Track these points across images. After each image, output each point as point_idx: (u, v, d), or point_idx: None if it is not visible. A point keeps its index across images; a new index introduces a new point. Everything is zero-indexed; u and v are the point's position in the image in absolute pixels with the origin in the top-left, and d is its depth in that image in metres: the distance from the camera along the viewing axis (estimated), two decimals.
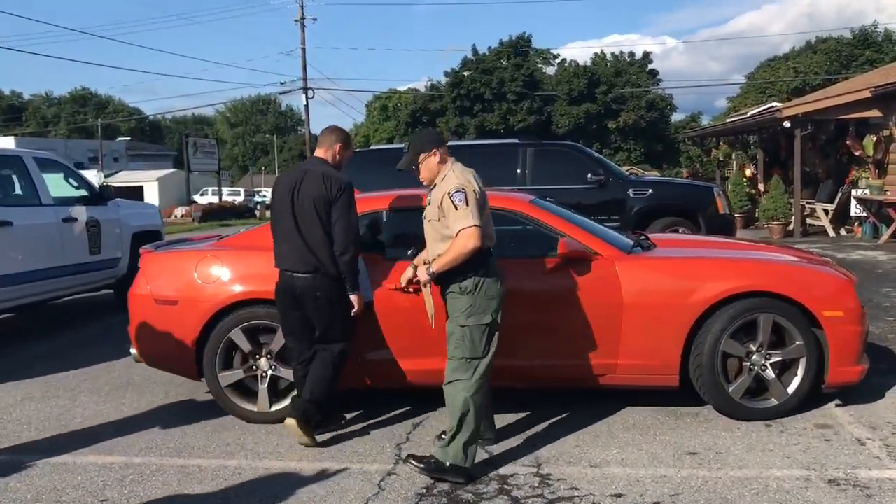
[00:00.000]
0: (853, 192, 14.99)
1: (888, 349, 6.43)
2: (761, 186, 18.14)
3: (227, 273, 4.97)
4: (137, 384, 5.99)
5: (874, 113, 14.75)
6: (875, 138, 14.66)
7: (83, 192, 8.63)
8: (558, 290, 4.77)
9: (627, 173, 12.29)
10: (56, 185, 8.38)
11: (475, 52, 48.44)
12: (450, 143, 11.99)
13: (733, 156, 21.40)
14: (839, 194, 15.48)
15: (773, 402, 4.81)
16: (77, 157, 74.02)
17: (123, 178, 65.39)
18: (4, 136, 72.60)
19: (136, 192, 62.23)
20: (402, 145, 13.95)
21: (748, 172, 19.30)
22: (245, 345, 4.93)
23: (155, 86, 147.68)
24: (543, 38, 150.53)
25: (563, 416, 4.99)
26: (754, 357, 4.80)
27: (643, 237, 5.62)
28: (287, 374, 4.93)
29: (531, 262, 4.85)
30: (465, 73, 46.85)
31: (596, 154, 11.25)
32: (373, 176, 10.49)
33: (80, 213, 8.18)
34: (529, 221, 5.00)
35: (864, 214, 14.73)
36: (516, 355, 4.74)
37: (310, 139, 47.20)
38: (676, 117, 52.69)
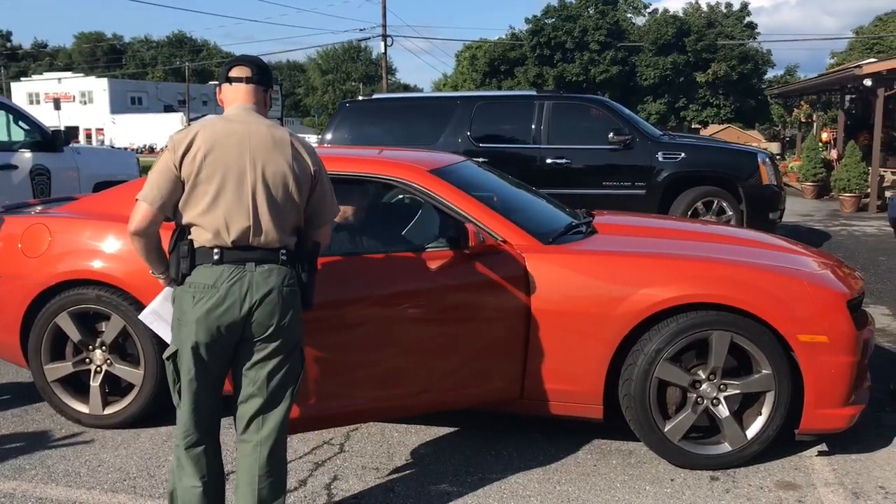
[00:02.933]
0: None
1: None
2: (834, 153, 16.18)
3: (56, 246, 4.08)
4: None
5: None
6: None
7: (36, 137, 7.92)
8: (445, 291, 3.66)
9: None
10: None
11: None
12: (462, 95, 10.87)
13: (814, 117, 19.31)
14: None
15: (726, 447, 3.65)
16: (167, 100, 75.81)
17: None
18: (99, 76, 74.83)
19: None
20: (408, 95, 12.87)
21: (825, 136, 17.28)
22: (74, 333, 4.06)
23: (252, 31, 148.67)
24: None
25: (451, 439, 3.95)
26: (703, 387, 3.63)
27: (588, 219, 4.45)
28: (124, 371, 4.05)
29: (410, 253, 3.70)
30: (547, 21, 44.68)
31: (626, 111, 9.86)
32: (377, 128, 9.59)
33: (23, 159, 7.48)
34: (422, 197, 3.89)
35: None
36: (386, 383, 3.65)
37: (387, 87, 46.39)
38: (775, 73, 49.34)
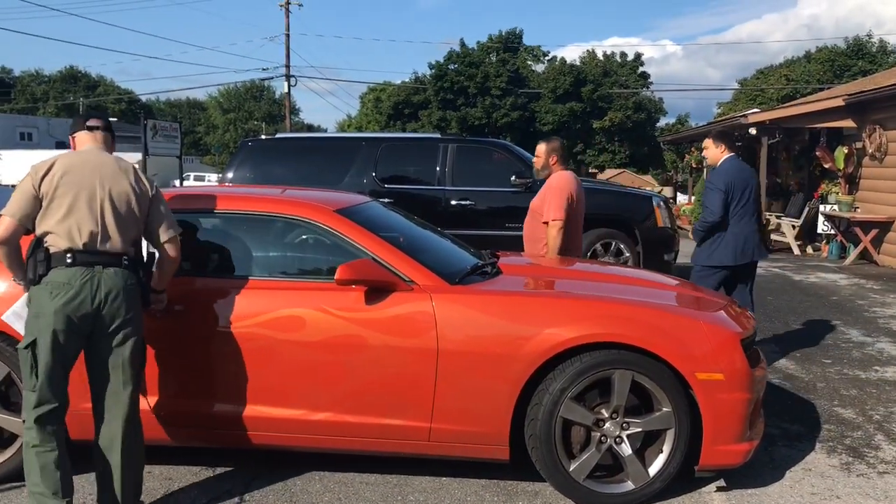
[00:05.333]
0: (821, 207, 13.87)
1: (812, 403, 5.29)
2: None
3: None
4: None
5: (847, 123, 13.62)
6: (847, 150, 13.54)
7: None
8: (350, 325, 3.66)
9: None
10: None
11: (463, 45, 47.21)
12: (368, 136, 10.91)
13: (704, 162, 20.23)
14: (807, 209, 14.37)
15: (630, 485, 3.70)
16: (58, 136, 72.67)
17: None
18: None
19: None
20: (313, 135, 12.81)
21: None
22: None
23: (150, 68, 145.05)
24: (541, 38, 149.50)
25: (356, 486, 3.86)
26: (607, 426, 3.68)
27: (493, 260, 4.49)
28: (6, 420, 3.82)
29: (319, 288, 3.76)
30: (450, 67, 45.60)
31: (527, 155, 10.07)
32: (281, 167, 9.45)
33: None
34: (328, 236, 3.88)
35: (833, 232, 13.62)
36: (292, 403, 3.72)
37: (291, 127, 46.14)
38: (667, 121, 51.58)
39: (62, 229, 3.23)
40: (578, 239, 5.62)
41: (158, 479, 3.93)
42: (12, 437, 3.84)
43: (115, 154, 3.54)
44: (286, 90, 44.53)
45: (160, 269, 3.54)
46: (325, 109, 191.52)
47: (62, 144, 69.47)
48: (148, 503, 3.65)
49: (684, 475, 3.73)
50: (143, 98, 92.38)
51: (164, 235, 3.50)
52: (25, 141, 69.31)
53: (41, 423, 3.22)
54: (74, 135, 3.55)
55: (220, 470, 4.04)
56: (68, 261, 3.21)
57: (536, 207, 5.51)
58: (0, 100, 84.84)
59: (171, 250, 3.52)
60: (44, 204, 3.24)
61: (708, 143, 5.76)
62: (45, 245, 3.25)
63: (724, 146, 5.67)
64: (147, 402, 3.77)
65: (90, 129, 3.52)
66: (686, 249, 13.00)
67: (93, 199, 3.28)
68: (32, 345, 3.19)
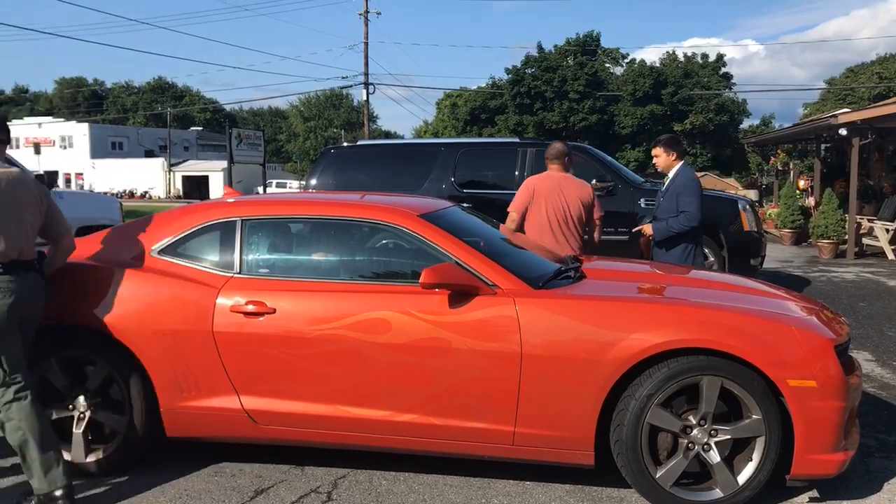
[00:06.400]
0: None
1: None
2: (811, 200, 16.44)
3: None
4: None
5: None
6: None
7: None
8: (434, 329, 3.70)
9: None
10: None
11: (540, 49, 47.00)
12: (447, 141, 10.98)
13: (791, 165, 19.68)
14: None
15: (718, 493, 3.62)
16: (147, 145, 75.69)
17: (190, 168, 66.41)
18: (80, 121, 74.62)
19: (201, 181, 63.30)
20: (393, 141, 12.99)
21: (802, 184, 17.57)
22: (59, 379, 4.00)
23: (234, 78, 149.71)
24: (619, 40, 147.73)
25: (440, 488, 3.89)
26: (694, 433, 3.62)
27: (576, 264, 4.47)
28: (108, 417, 4.00)
29: (404, 291, 3.82)
30: (527, 71, 45.48)
31: (608, 158, 9.99)
32: (362, 173, 9.62)
33: None
34: (412, 241, 3.94)
35: None
36: (377, 405, 3.80)
37: (368, 134, 46.78)
38: (751, 122, 50.30)
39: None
40: (540, 235, 5.68)
41: (249, 476, 4.04)
42: (113, 434, 4.02)
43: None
44: (364, 98, 45.11)
45: (59, 259, 3.89)
46: (402, 116, 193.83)
47: (151, 153, 72.22)
48: (239, 501, 3.76)
49: (775, 483, 3.64)
50: (227, 108, 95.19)
51: (59, 235, 3.85)
52: (116, 150, 72.27)
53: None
54: None
55: (308, 469, 4.13)
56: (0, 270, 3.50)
57: None
58: (93, 111, 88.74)
59: (70, 243, 3.92)
60: None
61: (658, 150, 5.98)
62: None
63: (675, 154, 5.91)
64: (239, 401, 3.90)
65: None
66: (771, 254, 12.68)
67: (16, 218, 3.55)
68: None
